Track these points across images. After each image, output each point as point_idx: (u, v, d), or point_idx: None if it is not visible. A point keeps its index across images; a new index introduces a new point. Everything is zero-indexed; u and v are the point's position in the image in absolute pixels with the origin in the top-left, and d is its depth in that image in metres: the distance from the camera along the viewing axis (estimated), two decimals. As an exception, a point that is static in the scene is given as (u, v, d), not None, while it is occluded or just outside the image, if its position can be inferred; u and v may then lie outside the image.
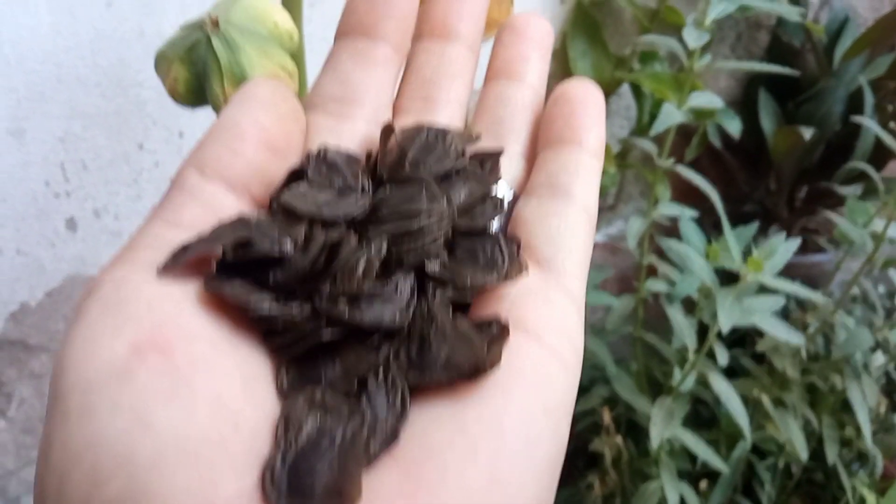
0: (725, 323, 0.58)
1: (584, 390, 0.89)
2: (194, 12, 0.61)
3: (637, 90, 0.85)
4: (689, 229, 0.68)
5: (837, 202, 0.94)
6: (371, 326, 0.20)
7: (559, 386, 0.21)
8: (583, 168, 0.25)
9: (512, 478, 0.18)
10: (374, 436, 0.18)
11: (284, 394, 0.19)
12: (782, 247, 0.60)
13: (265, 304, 0.19)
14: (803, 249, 1.04)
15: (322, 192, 0.22)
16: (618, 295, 1.10)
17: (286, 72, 0.33)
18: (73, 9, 0.57)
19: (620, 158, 0.88)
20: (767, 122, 0.93)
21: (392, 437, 0.18)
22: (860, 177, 0.90)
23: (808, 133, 0.81)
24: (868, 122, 0.74)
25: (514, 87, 0.28)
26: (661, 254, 0.78)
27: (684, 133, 0.87)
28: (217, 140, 0.22)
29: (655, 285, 0.79)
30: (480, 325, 0.21)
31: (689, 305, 0.78)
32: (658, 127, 0.64)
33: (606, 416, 0.74)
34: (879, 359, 0.82)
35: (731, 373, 0.90)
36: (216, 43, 0.31)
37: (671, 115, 0.63)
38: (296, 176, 0.23)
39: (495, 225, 0.24)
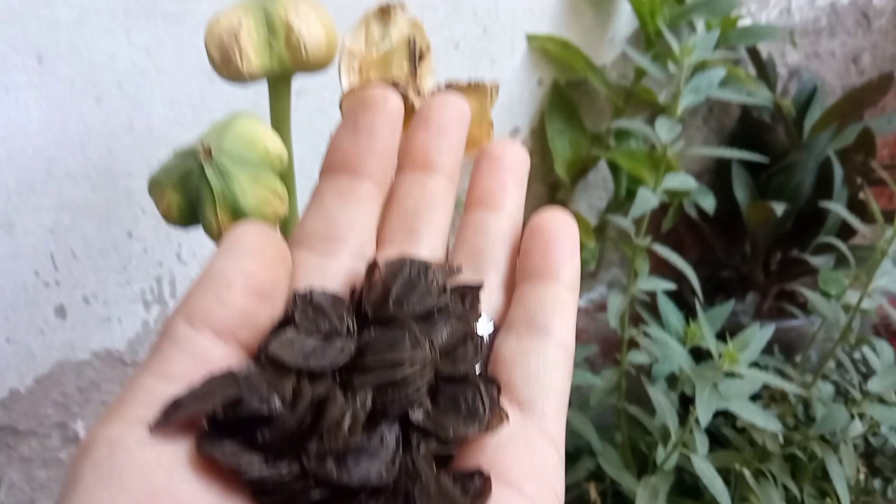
0: (703, 415, 0.59)
1: (570, 461, 0.89)
2: (183, 106, 0.63)
3: (614, 166, 0.87)
4: (667, 307, 0.69)
5: (813, 269, 0.96)
6: (359, 486, 0.20)
7: None
8: (559, 304, 0.26)
9: None
10: None
11: None
12: (757, 335, 0.61)
13: (255, 466, 0.20)
14: (781, 315, 1.06)
15: (309, 338, 0.23)
16: (602, 357, 1.11)
17: (277, 196, 0.34)
18: (63, 105, 0.58)
19: (599, 232, 0.90)
20: (741, 193, 0.95)
21: None
22: (832, 246, 0.93)
23: (779, 209, 0.83)
24: (834, 206, 0.76)
25: (493, 217, 0.29)
26: (642, 320, 0.80)
27: (661, 204, 0.89)
28: (205, 290, 0.23)
29: (638, 356, 0.80)
30: (464, 476, 0.21)
31: (671, 376, 0.79)
32: (635, 212, 0.66)
33: (593, 492, 0.75)
34: (858, 427, 0.83)
35: (715, 439, 0.91)
36: (209, 172, 0.33)
37: (647, 201, 0.65)
38: (283, 322, 0.23)
39: (477, 367, 0.25)
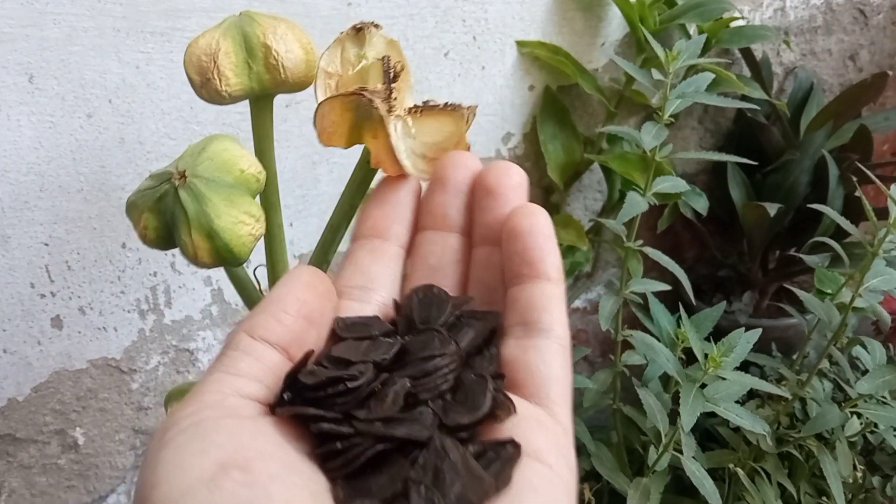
0: (688, 419, 0.60)
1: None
2: (173, 119, 0.64)
3: (607, 169, 0.87)
4: (658, 310, 0.70)
5: (810, 267, 0.96)
6: (404, 438, 0.24)
7: (564, 501, 0.24)
8: (546, 299, 0.28)
9: None
10: None
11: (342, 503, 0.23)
12: (742, 339, 0.61)
13: (325, 424, 0.24)
14: (779, 313, 1.06)
15: (359, 344, 0.27)
16: (601, 356, 1.11)
17: (253, 217, 0.35)
18: (55, 122, 0.59)
19: (595, 234, 0.90)
20: (736, 193, 0.95)
21: None
22: (828, 244, 0.93)
23: (773, 209, 0.84)
24: (826, 210, 0.76)
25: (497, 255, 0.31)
26: (636, 321, 0.80)
27: (656, 204, 0.90)
28: (265, 310, 0.27)
29: (632, 357, 0.81)
30: (495, 445, 0.24)
31: (664, 376, 0.80)
32: (623, 216, 0.66)
33: (587, 493, 0.75)
34: (855, 425, 0.83)
35: (711, 438, 0.91)
36: (183, 195, 0.33)
37: (637, 205, 0.66)
38: (334, 339, 0.28)
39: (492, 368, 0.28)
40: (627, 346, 0.81)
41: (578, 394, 0.80)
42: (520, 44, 0.80)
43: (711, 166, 1.05)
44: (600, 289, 1.07)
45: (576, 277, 1.01)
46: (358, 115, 0.38)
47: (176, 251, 0.68)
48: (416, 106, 0.40)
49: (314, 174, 0.74)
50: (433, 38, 0.75)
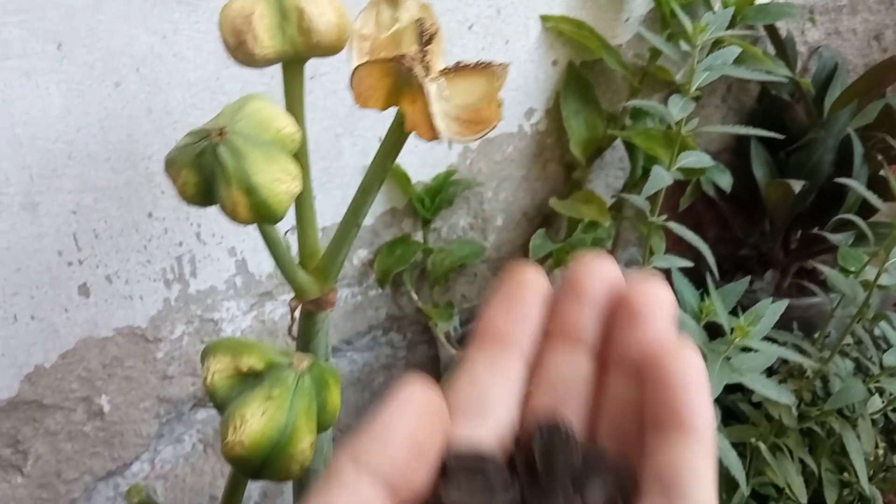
0: (715, 387, 0.60)
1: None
2: (200, 90, 0.64)
3: (629, 144, 0.87)
4: (682, 284, 0.70)
5: (832, 246, 0.96)
6: None
7: None
8: (694, 461, 0.24)
9: None
10: None
11: None
12: (769, 310, 0.61)
13: None
14: (800, 292, 1.06)
15: (474, 488, 0.25)
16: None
17: (290, 175, 0.35)
18: (83, 91, 0.59)
19: (616, 210, 0.90)
20: (759, 171, 0.95)
21: None
22: (852, 223, 0.92)
23: (797, 186, 0.83)
24: (853, 183, 0.76)
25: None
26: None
27: (678, 181, 0.90)
28: (371, 437, 0.25)
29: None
30: None
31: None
32: (648, 190, 0.66)
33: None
34: (877, 402, 0.83)
35: (731, 414, 0.91)
36: (222, 151, 0.34)
37: (661, 179, 0.66)
38: (445, 472, 0.25)
39: None
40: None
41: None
42: (544, 18, 0.80)
43: (734, 145, 1.05)
44: (620, 268, 1.06)
45: (595, 256, 1.00)
46: (396, 81, 0.38)
47: (201, 221, 0.69)
48: (447, 67, 0.40)
49: (337, 146, 0.74)
50: (457, 11, 0.75)
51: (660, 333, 0.27)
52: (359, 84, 0.38)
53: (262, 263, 0.74)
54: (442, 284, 0.88)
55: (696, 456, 0.24)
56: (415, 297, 0.86)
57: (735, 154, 1.05)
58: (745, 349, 0.64)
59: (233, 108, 0.36)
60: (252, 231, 0.72)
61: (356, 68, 0.37)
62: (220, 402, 0.32)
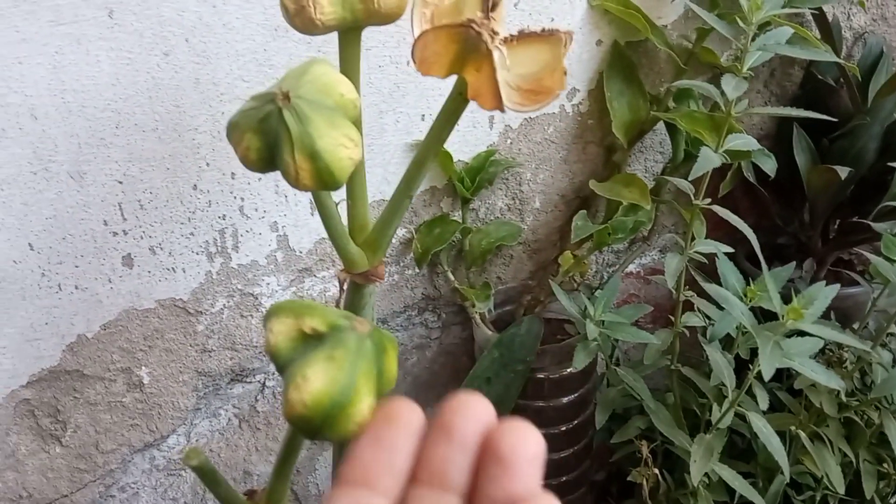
0: (768, 370, 0.59)
1: (620, 420, 0.90)
2: (247, 62, 0.63)
3: (672, 128, 0.86)
4: (727, 268, 0.69)
5: (872, 236, 0.95)
6: None
7: None
8: None
9: None
10: None
11: None
12: (822, 293, 0.61)
13: None
14: (838, 282, 1.05)
15: None
16: (652, 322, 1.11)
17: (352, 140, 0.35)
18: (133, 60, 0.59)
19: (654, 194, 0.89)
20: (801, 158, 0.93)
21: None
22: (894, 212, 0.91)
23: (843, 173, 0.82)
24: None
25: None
26: (695, 285, 0.79)
27: (717, 168, 0.89)
28: None
29: (692, 319, 0.80)
30: None
31: (726, 338, 0.79)
32: (697, 171, 0.65)
33: (644, 450, 0.75)
34: (917, 393, 0.82)
35: (769, 406, 0.91)
36: (287, 115, 0.33)
37: (710, 160, 0.65)
38: None
39: None
40: (686, 309, 0.80)
41: (640, 350, 0.79)
42: (590, -4, 0.79)
43: (775, 131, 1.03)
44: (655, 254, 1.06)
45: (631, 241, 1.00)
46: (463, 48, 0.37)
47: (245, 195, 0.69)
48: (510, 35, 0.39)
49: (380, 123, 0.74)
50: (504, -13, 0.74)
51: (524, 486, 0.27)
52: (423, 50, 0.37)
53: (303, 239, 0.74)
54: (479, 265, 0.88)
55: None
56: (451, 277, 0.86)
57: (776, 141, 1.03)
58: (791, 334, 0.63)
59: (297, 73, 0.35)
60: (294, 206, 0.72)
61: (422, 34, 0.36)
62: (283, 363, 0.31)
